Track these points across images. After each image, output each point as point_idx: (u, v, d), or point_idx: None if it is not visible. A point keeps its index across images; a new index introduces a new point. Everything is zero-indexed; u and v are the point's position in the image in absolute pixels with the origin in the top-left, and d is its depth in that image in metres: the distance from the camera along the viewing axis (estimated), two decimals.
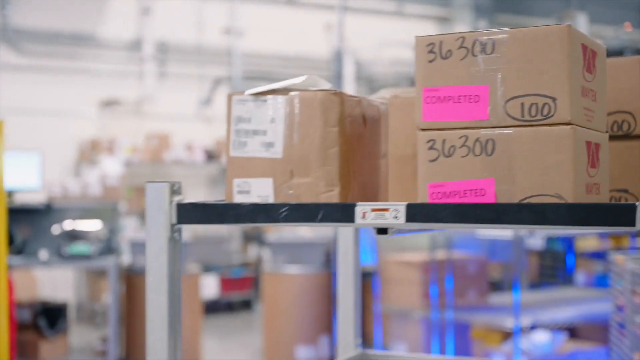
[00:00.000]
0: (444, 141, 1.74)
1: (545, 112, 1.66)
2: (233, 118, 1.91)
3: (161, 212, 1.98)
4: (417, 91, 1.78)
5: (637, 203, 1.57)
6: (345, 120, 1.88)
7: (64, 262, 7.10)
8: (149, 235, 1.99)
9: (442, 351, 6.30)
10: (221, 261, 10.72)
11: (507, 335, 6.41)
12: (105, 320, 9.45)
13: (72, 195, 7.44)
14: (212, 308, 10.58)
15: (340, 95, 1.87)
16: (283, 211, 1.87)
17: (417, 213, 1.73)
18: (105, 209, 7.63)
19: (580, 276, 8.27)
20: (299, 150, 1.87)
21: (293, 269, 7.30)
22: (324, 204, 1.85)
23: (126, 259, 8.59)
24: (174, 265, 1.99)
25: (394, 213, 1.75)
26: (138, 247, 7.27)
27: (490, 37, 1.71)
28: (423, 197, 1.77)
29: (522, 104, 1.67)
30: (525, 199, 1.67)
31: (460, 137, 1.72)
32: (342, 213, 1.83)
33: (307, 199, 1.90)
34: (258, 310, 10.52)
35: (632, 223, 1.59)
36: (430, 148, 1.75)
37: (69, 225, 7.25)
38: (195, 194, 10.78)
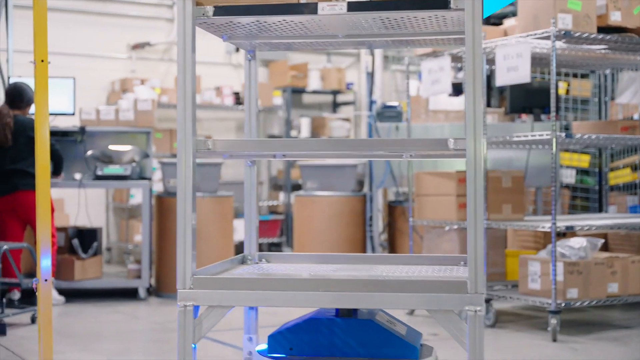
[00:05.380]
0: None
1: None
2: None
3: None
4: None
5: None
6: None
7: (99, 182, 7.15)
8: None
9: None
10: None
11: (542, 247, 6.39)
12: (137, 259, 9.51)
13: (106, 120, 7.47)
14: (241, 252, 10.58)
15: None
16: None
17: None
18: (138, 134, 7.67)
19: (612, 209, 8.22)
20: None
21: (325, 193, 7.30)
22: None
23: (157, 186, 8.65)
24: None
25: None
26: (169, 170, 7.30)
27: None
28: None
29: None
30: None
31: None
32: None
33: None
34: None
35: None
36: None
37: (102, 148, 7.30)
38: (225, 137, 10.78)
